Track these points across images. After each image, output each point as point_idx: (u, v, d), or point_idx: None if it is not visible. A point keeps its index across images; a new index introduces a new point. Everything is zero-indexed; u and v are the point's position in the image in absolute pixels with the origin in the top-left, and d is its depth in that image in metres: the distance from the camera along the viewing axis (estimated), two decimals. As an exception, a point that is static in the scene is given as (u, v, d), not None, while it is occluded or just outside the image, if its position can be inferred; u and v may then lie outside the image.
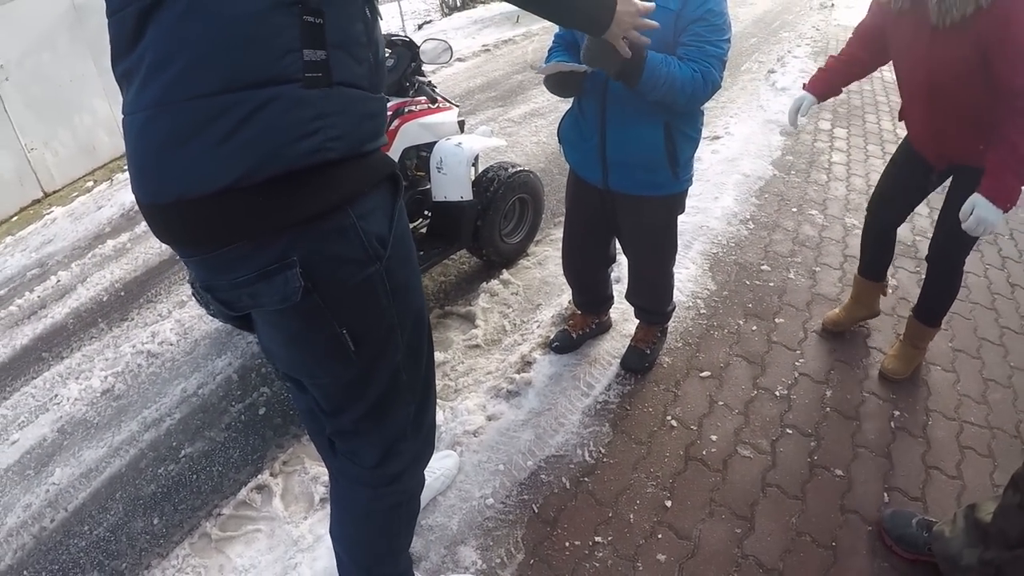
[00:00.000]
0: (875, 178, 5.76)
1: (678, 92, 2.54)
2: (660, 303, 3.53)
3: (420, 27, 18.28)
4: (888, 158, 3.49)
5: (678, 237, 3.32)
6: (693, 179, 3.11)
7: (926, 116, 3.07)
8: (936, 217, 3.33)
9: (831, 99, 7.74)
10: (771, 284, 4.32)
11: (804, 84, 3.56)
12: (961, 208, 2.75)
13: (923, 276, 3.52)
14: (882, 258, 3.76)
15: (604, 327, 3.91)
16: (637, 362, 3.61)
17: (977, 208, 2.68)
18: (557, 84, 2.78)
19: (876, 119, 7.44)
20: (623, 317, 4.00)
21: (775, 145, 6.54)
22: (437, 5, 24.21)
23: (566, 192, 3.40)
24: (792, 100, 3.53)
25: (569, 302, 4.11)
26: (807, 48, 10.41)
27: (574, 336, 3.79)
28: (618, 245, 3.53)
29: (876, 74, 9.15)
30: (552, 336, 3.86)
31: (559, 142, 3.26)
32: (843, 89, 3.60)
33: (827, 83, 3.48)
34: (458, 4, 21.72)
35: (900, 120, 3.39)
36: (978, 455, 3.16)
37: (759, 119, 7.23)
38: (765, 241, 4.80)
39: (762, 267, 4.48)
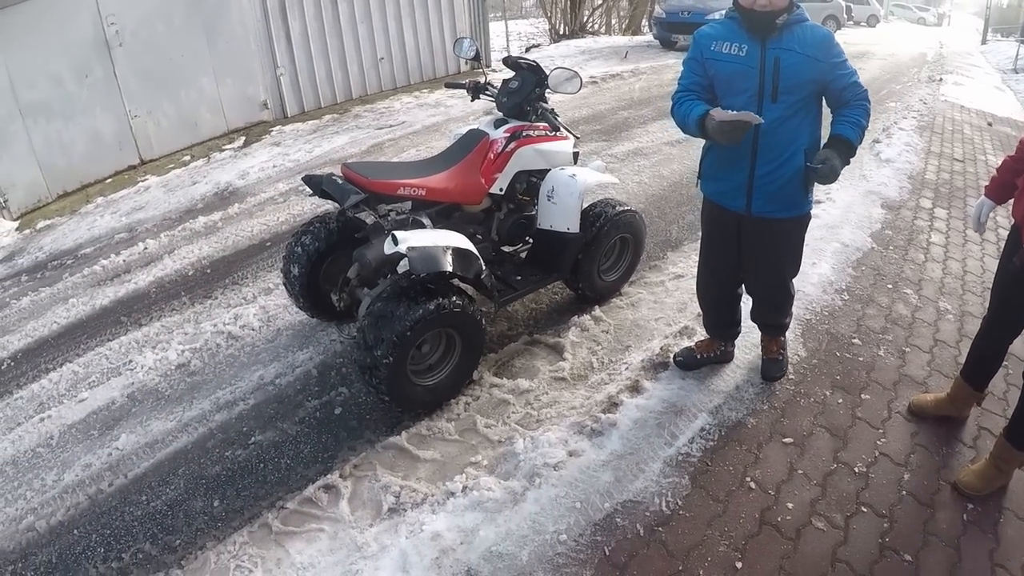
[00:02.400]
0: (971, 264, 5.61)
1: (867, 128, 3.17)
2: (784, 314, 3.81)
3: (527, 50, 18.47)
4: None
5: None
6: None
7: None
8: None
9: (933, 177, 7.65)
10: (860, 358, 4.20)
11: (985, 188, 3.48)
12: None
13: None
14: (987, 368, 3.61)
15: (727, 357, 4.04)
16: (777, 369, 3.91)
17: None
18: (727, 132, 2.98)
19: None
20: (713, 371, 3.93)
21: (875, 218, 6.40)
22: (546, 30, 24.48)
23: (702, 221, 3.72)
24: (975, 205, 3.53)
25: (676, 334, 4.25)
26: (913, 121, 10.20)
27: (698, 356, 3.97)
28: None
29: (980, 157, 9.01)
30: (675, 352, 4.04)
31: (698, 176, 3.57)
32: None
33: (1001, 184, 3.36)
34: (567, 32, 21.91)
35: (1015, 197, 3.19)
36: (1045, 559, 3.02)
37: (861, 189, 7.09)
38: (858, 314, 4.68)
39: (853, 340, 4.37)
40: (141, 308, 5.22)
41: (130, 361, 4.50)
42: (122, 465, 3.63)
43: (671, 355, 4.03)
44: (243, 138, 10.16)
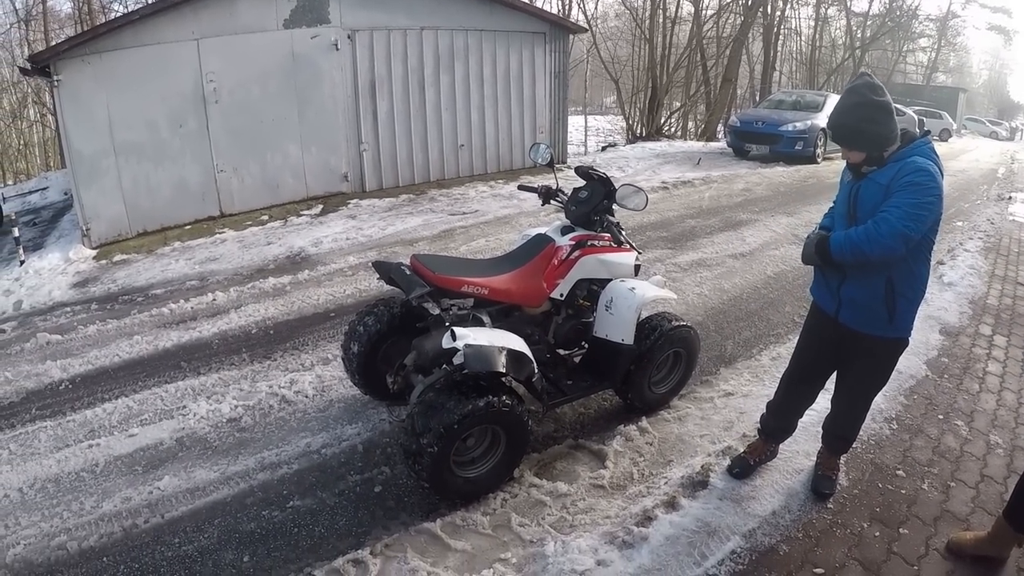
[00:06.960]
0: (1028, 396, 5.47)
1: (861, 248, 3.26)
2: (854, 431, 4.03)
3: (603, 149, 18.70)
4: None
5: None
6: (912, 332, 3.68)
7: None
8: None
9: (995, 302, 7.50)
10: (903, 491, 4.09)
11: None
12: None
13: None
14: None
15: (773, 455, 4.23)
16: (829, 486, 4.02)
17: None
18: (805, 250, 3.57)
19: (1040, 330, 7.01)
20: (752, 492, 3.91)
21: (932, 344, 6.24)
22: (623, 128, 24.72)
23: (805, 323, 4.02)
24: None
25: (750, 434, 4.34)
26: (979, 242, 9.90)
27: (751, 463, 4.13)
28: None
29: (1041, 285, 8.79)
30: (730, 462, 4.15)
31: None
32: None
33: None
34: (643, 133, 22.16)
35: None
36: None
37: (920, 313, 6.94)
38: (905, 445, 4.57)
39: (897, 471, 4.27)
40: (202, 357, 5.39)
41: (184, 407, 4.66)
42: (161, 505, 3.76)
43: (726, 468, 4.11)
44: (321, 206, 10.50)
